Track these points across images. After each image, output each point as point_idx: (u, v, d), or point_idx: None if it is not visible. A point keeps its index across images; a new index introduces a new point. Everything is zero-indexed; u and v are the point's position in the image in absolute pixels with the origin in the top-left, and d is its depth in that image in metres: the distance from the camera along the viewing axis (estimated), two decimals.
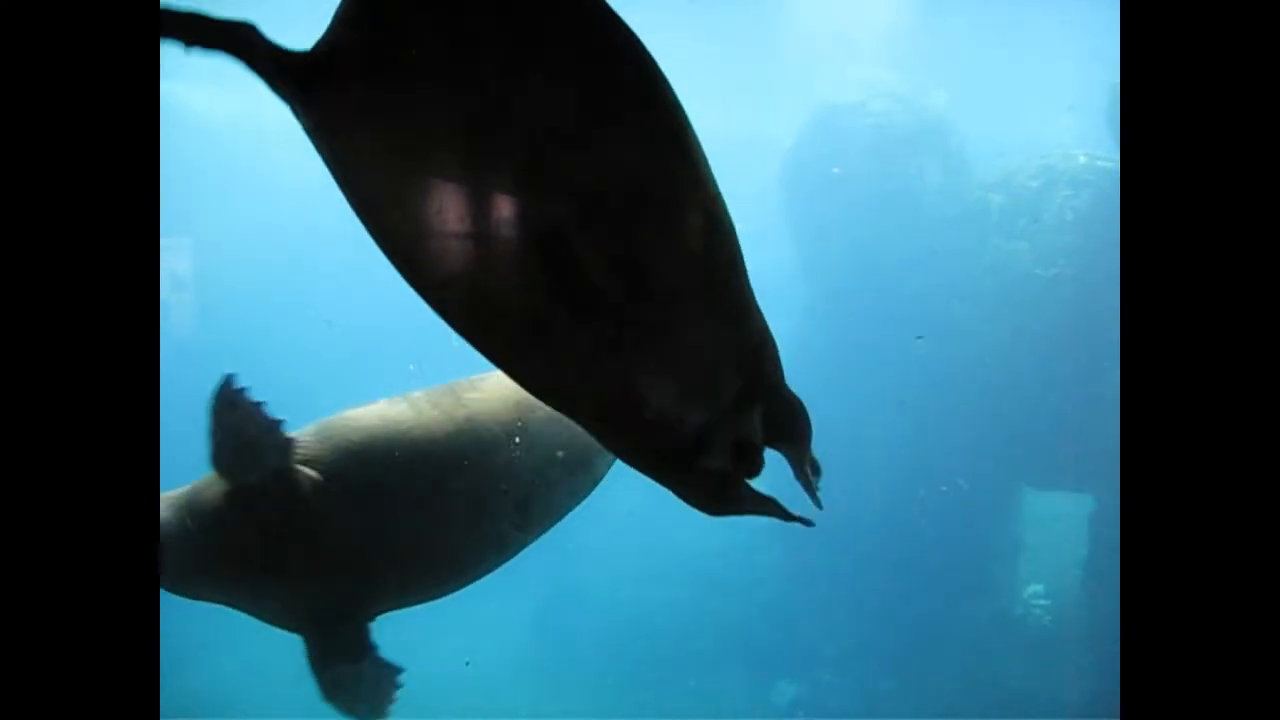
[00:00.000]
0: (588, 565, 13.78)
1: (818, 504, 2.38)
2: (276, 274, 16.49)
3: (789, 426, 2.28)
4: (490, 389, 3.70)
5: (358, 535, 3.44)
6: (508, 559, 3.81)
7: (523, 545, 3.83)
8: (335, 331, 14.67)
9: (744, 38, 14.47)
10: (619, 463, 4.19)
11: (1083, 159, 11.80)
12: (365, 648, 3.56)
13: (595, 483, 3.97)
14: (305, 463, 3.41)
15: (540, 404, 3.17)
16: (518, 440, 3.63)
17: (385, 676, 3.59)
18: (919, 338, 11.39)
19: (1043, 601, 12.13)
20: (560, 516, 3.89)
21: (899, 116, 12.64)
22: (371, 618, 3.60)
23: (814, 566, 12.23)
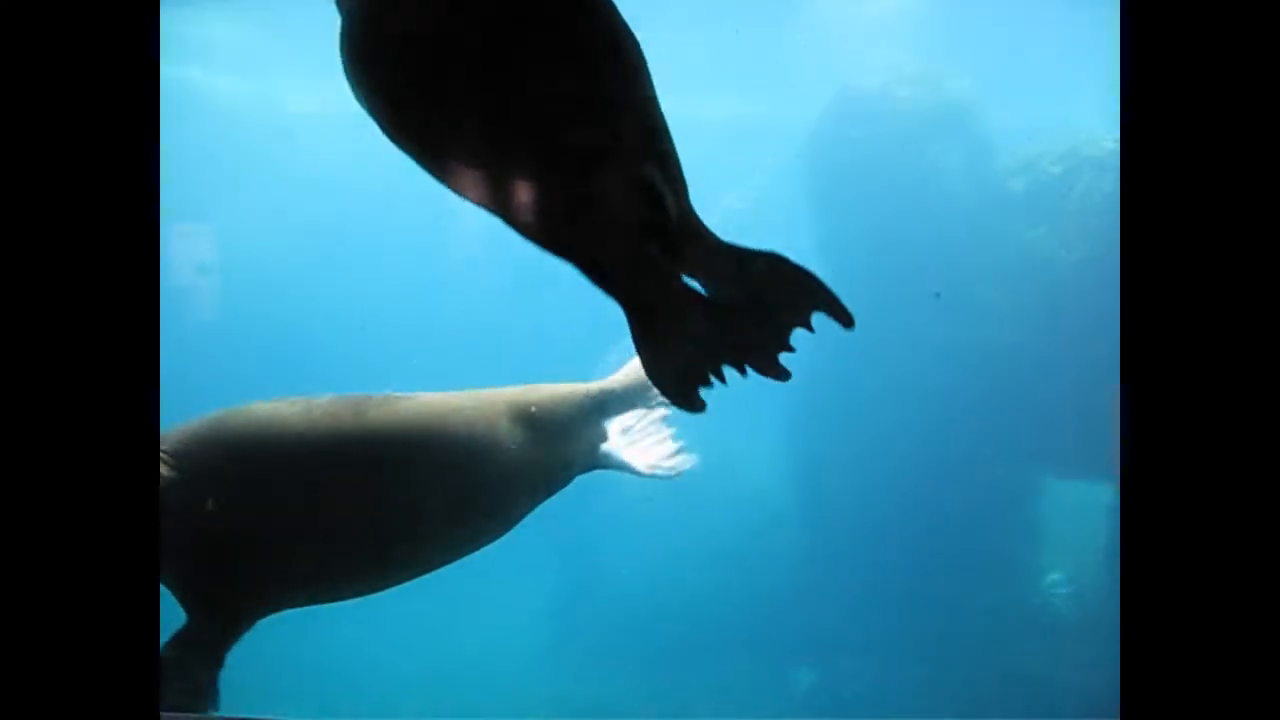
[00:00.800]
0: (603, 552, 13.82)
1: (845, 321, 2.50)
2: (298, 259, 16.56)
3: (702, 249, 2.32)
4: (398, 410, 3.57)
5: (207, 526, 3.37)
6: (398, 583, 3.68)
7: (415, 573, 3.70)
8: (357, 318, 14.73)
9: (765, 21, 14.39)
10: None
11: (1108, 143, 11.67)
12: (213, 672, 3.42)
13: (496, 534, 3.81)
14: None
15: (447, 441, 3.21)
16: (407, 471, 3.50)
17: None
18: (937, 295, 11.34)
19: (1062, 590, 12.08)
20: (459, 556, 3.74)
21: (921, 101, 12.54)
22: (237, 621, 3.45)
23: (832, 552, 12.22)
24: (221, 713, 3.32)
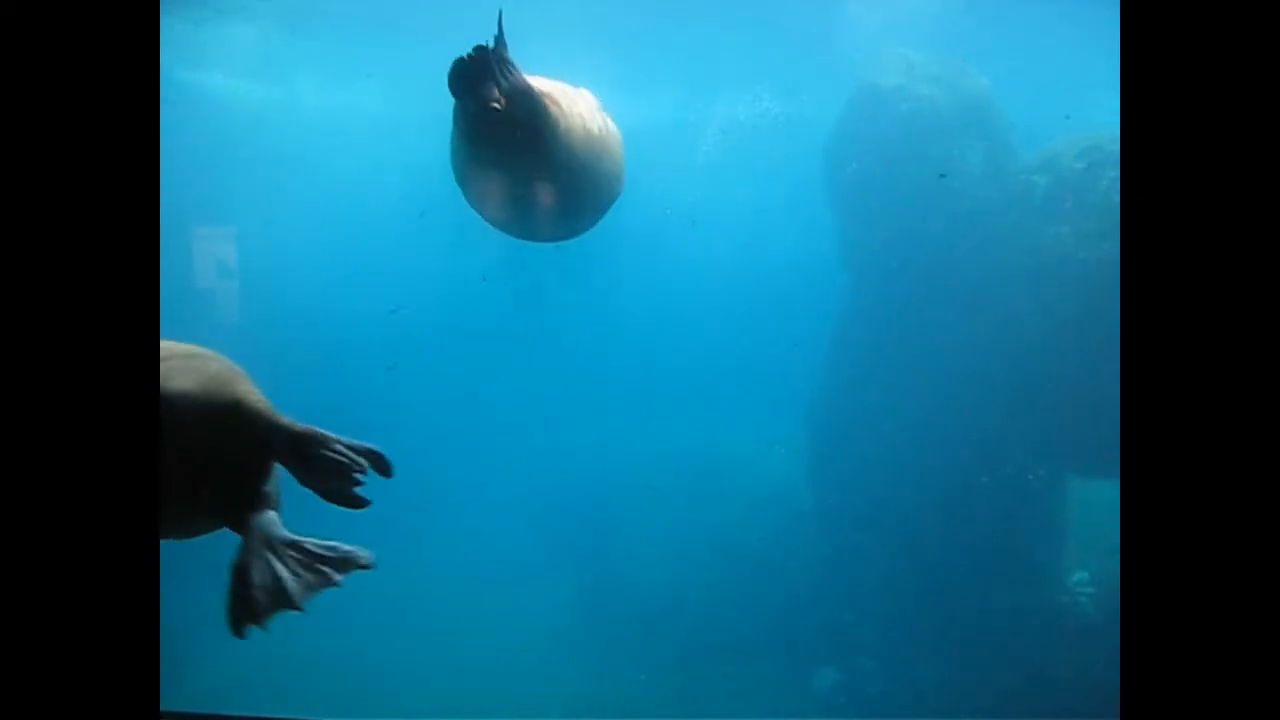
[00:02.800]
0: (623, 552, 13.84)
1: None
2: (317, 260, 16.71)
3: None
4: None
5: None
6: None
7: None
8: (374, 314, 14.84)
9: (784, 20, 14.37)
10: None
11: None
12: None
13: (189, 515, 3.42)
14: None
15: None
16: None
17: None
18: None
19: (1088, 589, 11.99)
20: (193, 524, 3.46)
21: (941, 98, 12.48)
22: None
23: (854, 552, 12.19)
24: (226, 710, 3.33)
